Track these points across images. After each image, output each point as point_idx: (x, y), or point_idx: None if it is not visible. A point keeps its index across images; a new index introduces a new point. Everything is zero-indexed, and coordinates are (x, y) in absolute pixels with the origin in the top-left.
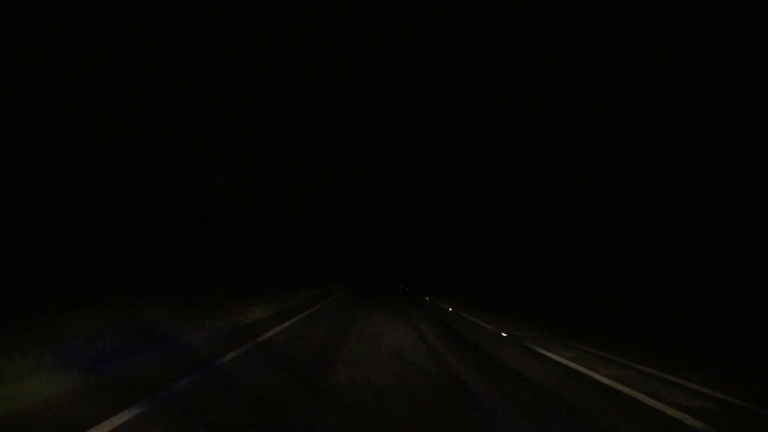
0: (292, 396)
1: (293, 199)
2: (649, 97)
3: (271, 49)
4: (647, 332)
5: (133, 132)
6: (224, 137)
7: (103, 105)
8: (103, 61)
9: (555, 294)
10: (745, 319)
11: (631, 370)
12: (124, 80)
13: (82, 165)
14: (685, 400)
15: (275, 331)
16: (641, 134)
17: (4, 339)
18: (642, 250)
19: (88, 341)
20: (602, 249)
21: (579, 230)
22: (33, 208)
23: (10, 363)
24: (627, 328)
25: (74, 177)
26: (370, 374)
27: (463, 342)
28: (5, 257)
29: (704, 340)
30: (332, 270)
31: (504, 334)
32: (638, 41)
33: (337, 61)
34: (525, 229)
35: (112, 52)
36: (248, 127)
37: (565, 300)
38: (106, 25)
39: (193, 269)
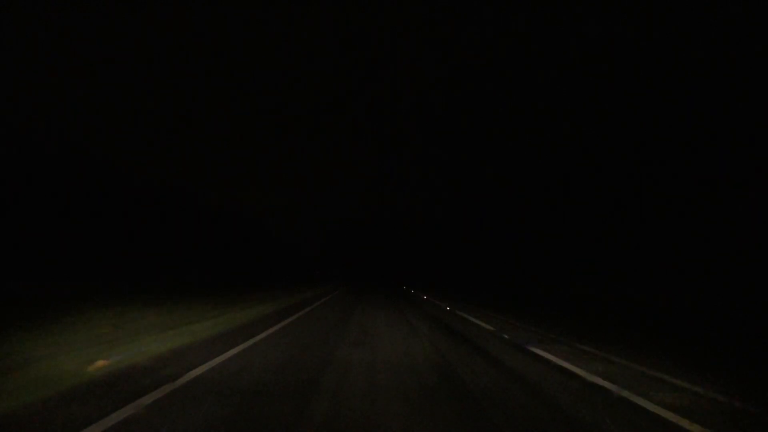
0: None
1: (288, 199)
2: (646, 93)
3: (269, 48)
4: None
5: (133, 137)
6: (218, 136)
7: (98, 105)
8: (100, 63)
9: (549, 291)
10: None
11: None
12: (124, 84)
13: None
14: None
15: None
16: (634, 129)
17: None
18: (646, 246)
19: None
20: (603, 246)
21: (577, 229)
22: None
23: None
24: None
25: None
26: None
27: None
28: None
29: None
30: (329, 270)
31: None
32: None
33: (333, 61)
34: (522, 227)
35: (108, 53)
36: (241, 126)
37: (560, 296)
38: (104, 27)
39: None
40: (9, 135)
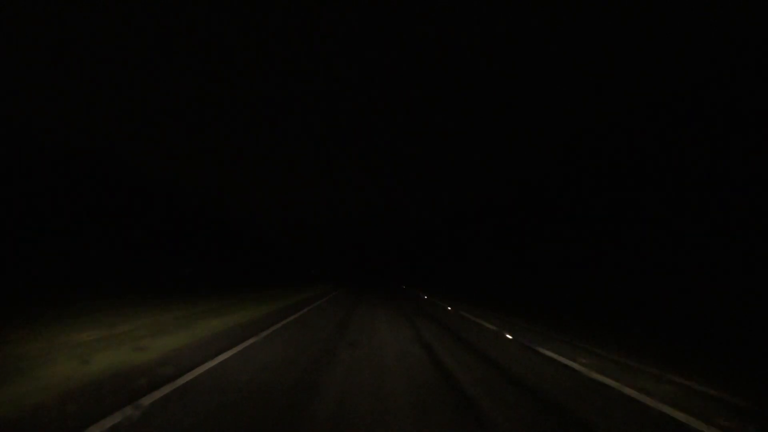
0: None
1: (285, 200)
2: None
3: (266, 46)
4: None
5: (136, 140)
6: (215, 138)
7: (94, 105)
8: (96, 61)
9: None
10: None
11: None
12: (126, 83)
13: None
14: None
15: None
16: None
17: None
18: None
19: None
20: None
21: (575, 230)
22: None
23: None
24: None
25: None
26: None
27: None
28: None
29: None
30: (328, 270)
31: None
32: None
33: (332, 60)
34: (522, 227)
35: (106, 51)
36: (238, 124)
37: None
38: (103, 25)
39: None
40: (3, 132)
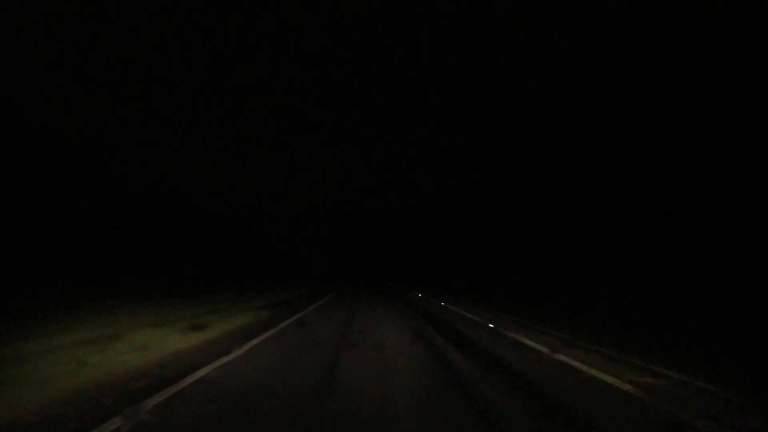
0: None
1: (279, 198)
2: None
3: (260, 45)
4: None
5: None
6: (206, 131)
7: (93, 104)
8: (92, 61)
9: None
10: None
11: None
12: (121, 84)
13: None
14: None
15: None
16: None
17: None
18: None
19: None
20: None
21: (574, 232)
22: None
23: None
24: None
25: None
26: None
27: None
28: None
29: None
30: (323, 271)
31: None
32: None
33: (328, 59)
34: (518, 226)
35: (102, 50)
36: (230, 122)
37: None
38: (98, 24)
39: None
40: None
